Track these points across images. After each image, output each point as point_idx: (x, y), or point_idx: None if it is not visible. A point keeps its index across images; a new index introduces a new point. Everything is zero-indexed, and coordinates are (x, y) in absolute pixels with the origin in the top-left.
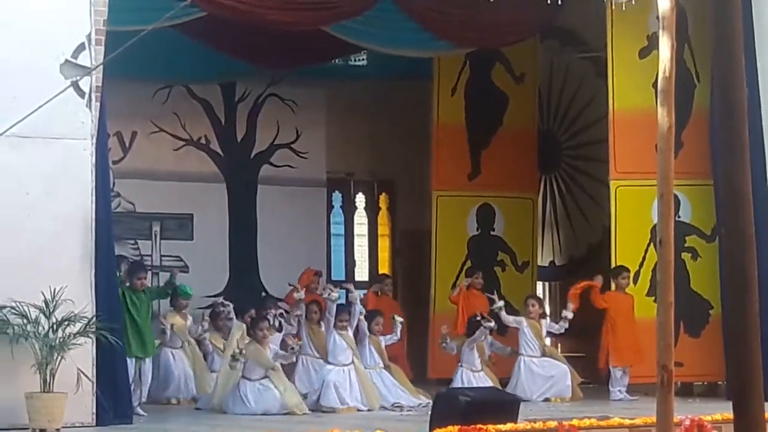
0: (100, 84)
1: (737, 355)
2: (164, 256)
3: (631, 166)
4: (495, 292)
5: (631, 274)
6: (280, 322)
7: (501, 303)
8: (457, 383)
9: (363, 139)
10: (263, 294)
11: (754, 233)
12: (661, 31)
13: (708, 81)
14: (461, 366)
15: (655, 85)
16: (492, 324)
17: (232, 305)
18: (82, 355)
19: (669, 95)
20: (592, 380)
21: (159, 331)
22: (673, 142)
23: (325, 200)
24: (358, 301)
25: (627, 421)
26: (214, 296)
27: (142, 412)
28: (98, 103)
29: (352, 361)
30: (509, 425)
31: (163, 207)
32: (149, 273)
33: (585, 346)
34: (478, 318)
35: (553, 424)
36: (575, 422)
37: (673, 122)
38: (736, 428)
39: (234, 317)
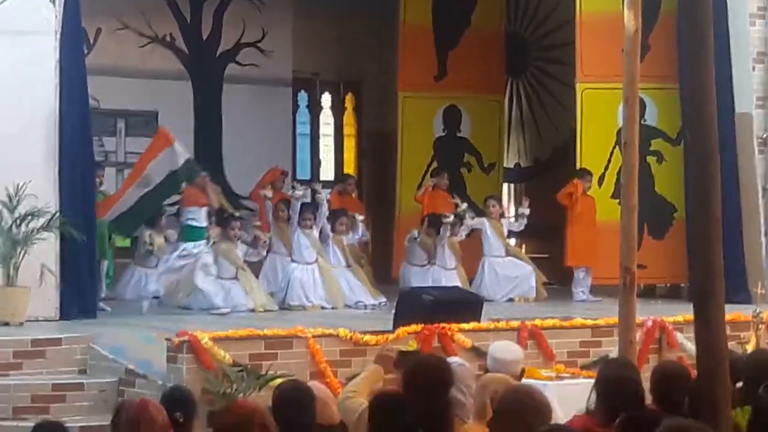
0: None
1: (699, 258)
2: (129, 153)
3: (597, 69)
4: (456, 196)
5: (596, 177)
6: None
7: (465, 205)
8: (426, 281)
9: (329, 39)
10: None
11: (717, 138)
12: None
13: None
14: (433, 263)
15: None
16: (450, 218)
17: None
18: (46, 250)
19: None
20: (557, 281)
21: (142, 247)
22: (639, 45)
23: (290, 100)
24: (325, 202)
25: (589, 321)
26: (179, 194)
27: (105, 307)
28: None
29: (317, 260)
30: (472, 324)
31: (128, 104)
32: (114, 170)
33: (549, 247)
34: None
35: (515, 323)
36: (538, 322)
37: (640, 25)
38: (697, 329)
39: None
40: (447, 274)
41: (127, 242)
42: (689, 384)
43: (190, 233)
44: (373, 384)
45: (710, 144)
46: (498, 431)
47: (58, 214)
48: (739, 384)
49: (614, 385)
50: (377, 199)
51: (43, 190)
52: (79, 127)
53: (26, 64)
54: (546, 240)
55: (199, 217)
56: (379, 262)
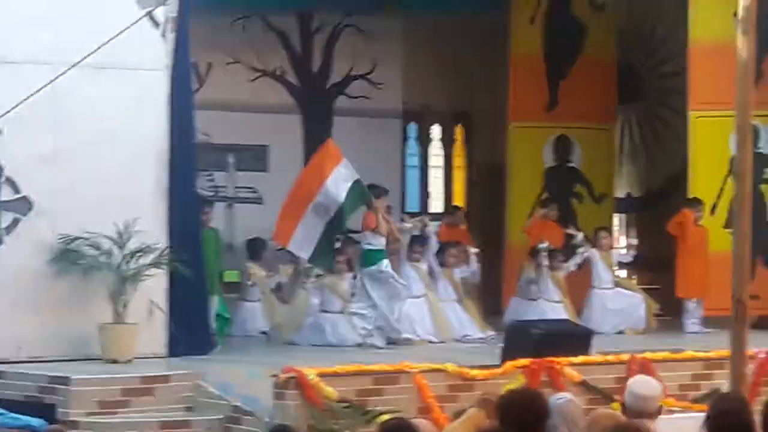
0: (175, 14)
1: None
2: (239, 187)
3: (709, 96)
4: (573, 227)
5: (708, 206)
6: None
7: (580, 235)
8: (532, 315)
9: (439, 71)
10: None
11: None
12: None
13: None
14: (539, 297)
15: (735, 15)
16: (545, 244)
17: None
18: (155, 287)
19: (750, 25)
20: (669, 313)
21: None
22: (753, 72)
23: (400, 132)
24: (433, 235)
25: (700, 354)
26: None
27: (216, 342)
28: (173, 34)
29: (425, 293)
30: (581, 358)
31: (238, 138)
32: (224, 205)
33: (661, 279)
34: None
35: (625, 356)
36: (648, 354)
37: (754, 53)
38: None
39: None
40: (553, 307)
41: (234, 276)
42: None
43: (368, 257)
44: (473, 428)
45: None
46: None
47: (167, 251)
48: None
49: (725, 421)
50: (487, 231)
51: (152, 226)
52: (187, 163)
53: (137, 100)
54: (658, 271)
55: (374, 241)
56: (488, 294)
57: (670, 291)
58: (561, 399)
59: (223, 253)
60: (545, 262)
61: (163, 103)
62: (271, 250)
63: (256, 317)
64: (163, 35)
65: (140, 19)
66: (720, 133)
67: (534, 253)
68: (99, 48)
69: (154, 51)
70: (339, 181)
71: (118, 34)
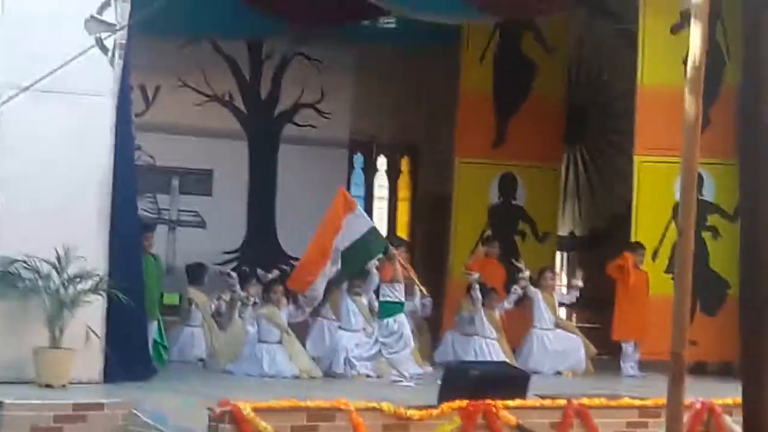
0: (124, 41)
1: (749, 340)
2: (182, 211)
3: (656, 142)
4: (521, 262)
5: (650, 251)
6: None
7: (527, 273)
8: (469, 354)
9: (388, 103)
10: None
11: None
12: (693, 20)
13: (738, 59)
14: (474, 334)
15: (685, 61)
16: (476, 275)
17: (236, 277)
18: (93, 313)
19: (698, 84)
20: (607, 352)
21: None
22: (699, 131)
23: (346, 162)
24: (374, 271)
25: (637, 402)
26: (231, 253)
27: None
28: (121, 61)
29: (364, 328)
30: (518, 401)
31: (183, 162)
32: (167, 227)
33: (600, 318)
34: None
35: (562, 401)
36: (585, 401)
37: (701, 111)
38: (744, 411)
39: (239, 290)
40: (489, 344)
41: (175, 299)
42: None
43: (384, 309)
44: None
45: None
46: None
47: (106, 277)
48: None
49: None
50: (430, 265)
51: (92, 252)
52: (129, 189)
53: (81, 125)
54: (598, 310)
55: (390, 293)
56: (430, 328)
57: (608, 330)
58: None
59: (164, 278)
60: (477, 294)
61: (107, 129)
62: (211, 275)
63: (195, 343)
64: (111, 62)
65: (91, 47)
66: (665, 178)
67: (468, 287)
68: (51, 73)
69: (101, 76)
70: (351, 228)
71: (70, 60)
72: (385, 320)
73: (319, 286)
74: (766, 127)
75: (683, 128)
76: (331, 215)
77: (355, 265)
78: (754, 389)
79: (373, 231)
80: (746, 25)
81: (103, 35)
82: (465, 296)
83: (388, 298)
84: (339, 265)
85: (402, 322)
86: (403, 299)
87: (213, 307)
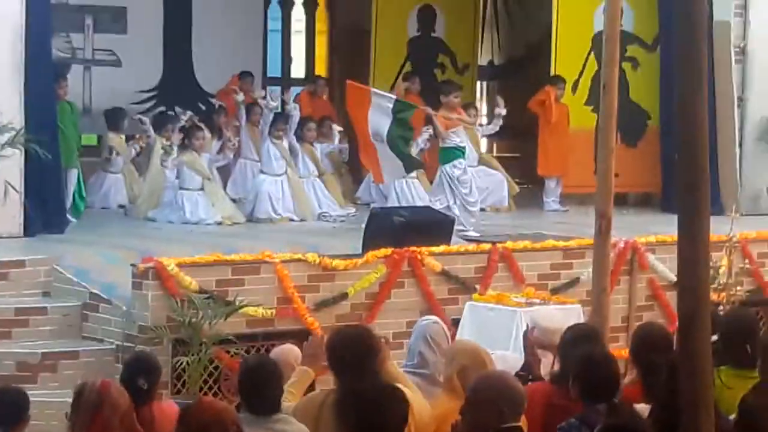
0: None
1: (685, 168)
2: (97, 50)
3: None
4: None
5: (570, 83)
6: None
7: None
8: (390, 194)
9: None
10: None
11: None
12: None
13: None
14: None
15: None
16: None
17: (148, 121)
18: (10, 167)
19: None
20: (528, 182)
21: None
22: None
23: None
24: (296, 113)
25: (561, 243)
26: (148, 91)
27: (70, 218)
28: None
29: (286, 171)
30: (443, 247)
31: None
32: (82, 67)
33: (521, 148)
34: None
35: (486, 246)
36: (509, 244)
37: None
38: (680, 245)
39: (153, 134)
40: (410, 183)
41: (93, 140)
42: (670, 347)
43: (448, 154)
44: (304, 386)
45: (698, 49)
46: (470, 420)
47: (23, 130)
48: (714, 337)
49: (589, 368)
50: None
51: (6, 104)
52: (43, 35)
53: None
54: (518, 140)
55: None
56: (352, 168)
57: (530, 160)
58: (425, 321)
59: (80, 120)
60: None
61: None
62: (130, 120)
63: (116, 189)
64: None
65: None
66: (584, 8)
67: None
68: None
69: None
70: (377, 110)
71: None
72: (445, 166)
73: (389, 168)
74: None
75: None
76: (353, 110)
77: (405, 143)
78: (691, 220)
79: (397, 103)
80: None
81: None
82: None
83: (444, 144)
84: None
85: (464, 167)
86: (462, 144)
87: (133, 152)
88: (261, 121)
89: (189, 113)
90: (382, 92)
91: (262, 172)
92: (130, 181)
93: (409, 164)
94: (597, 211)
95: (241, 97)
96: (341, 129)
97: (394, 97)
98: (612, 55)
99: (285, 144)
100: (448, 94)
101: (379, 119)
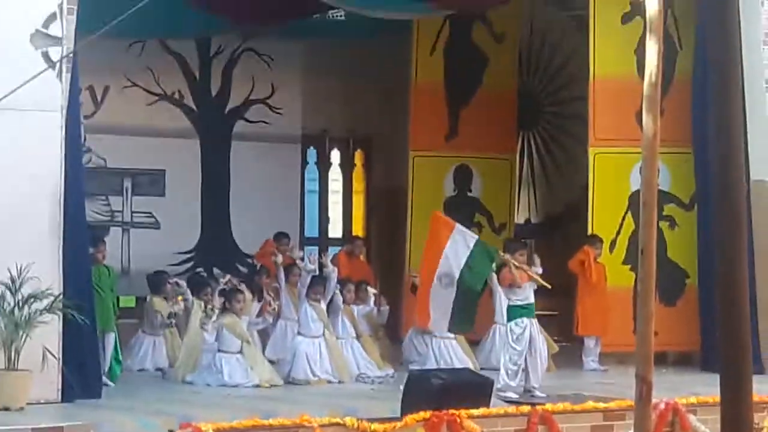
0: (69, 53)
1: (727, 328)
2: (135, 212)
3: (610, 132)
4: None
5: (607, 243)
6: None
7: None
8: (429, 353)
9: (339, 96)
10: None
11: (744, 202)
12: (648, 35)
13: (690, 46)
14: (433, 336)
15: (636, 52)
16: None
17: (185, 284)
18: (49, 333)
19: (655, 103)
20: (566, 340)
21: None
22: (657, 150)
23: (299, 157)
24: (334, 276)
25: (601, 405)
26: (186, 253)
27: (108, 382)
28: (69, 74)
29: (323, 333)
30: (482, 410)
31: (135, 162)
32: (120, 229)
33: (559, 305)
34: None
35: (526, 408)
36: (549, 406)
37: (659, 130)
38: (723, 403)
39: (190, 296)
40: (447, 344)
41: (132, 302)
42: None
43: (510, 312)
44: None
45: (738, 208)
46: None
47: (60, 296)
48: None
49: None
50: (386, 259)
51: (45, 270)
52: (79, 204)
53: (32, 141)
54: (555, 297)
55: (512, 296)
56: (389, 327)
57: (568, 317)
58: None
59: (118, 282)
60: None
61: (57, 145)
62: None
63: (156, 352)
64: (59, 76)
65: (46, 69)
66: (620, 168)
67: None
68: (8, 95)
69: (49, 90)
70: (457, 248)
71: (29, 80)
72: (509, 324)
73: (438, 316)
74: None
75: (642, 146)
76: (431, 243)
77: (477, 283)
78: (733, 379)
79: (479, 242)
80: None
81: (50, 49)
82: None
83: (511, 302)
84: (453, 286)
85: (526, 326)
86: (528, 301)
87: (171, 311)
88: (299, 282)
89: (228, 276)
90: (466, 230)
91: (299, 333)
92: (171, 343)
93: (458, 323)
94: (637, 375)
95: (280, 258)
96: (376, 292)
97: (476, 237)
98: (650, 219)
99: (323, 305)
100: (514, 252)
101: (454, 258)
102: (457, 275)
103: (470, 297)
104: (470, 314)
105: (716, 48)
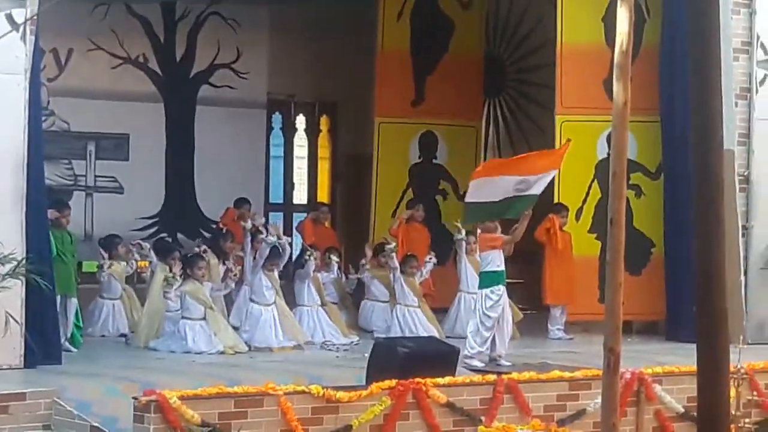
0: (34, 14)
1: (703, 299)
2: (99, 176)
3: (577, 101)
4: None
5: (573, 211)
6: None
7: (463, 234)
8: (394, 321)
9: (305, 61)
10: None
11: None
12: (619, 2)
13: (659, 15)
14: (397, 304)
15: (604, 19)
16: (391, 245)
17: (149, 245)
18: (11, 298)
19: (625, 71)
20: (531, 307)
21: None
22: (628, 119)
23: (264, 122)
24: (288, 246)
25: (567, 374)
26: (149, 218)
27: (70, 348)
28: (33, 37)
29: (275, 301)
30: (447, 379)
31: (98, 126)
32: (84, 194)
33: (524, 273)
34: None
35: (492, 377)
36: (514, 375)
37: (629, 98)
38: (700, 373)
39: (155, 259)
40: (411, 312)
41: (93, 267)
42: None
43: (488, 279)
44: None
45: (716, 179)
46: None
47: (24, 261)
48: None
49: None
50: (352, 225)
51: (8, 234)
52: (39, 167)
53: None
54: (520, 265)
55: (491, 260)
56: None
57: (533, 286)
58: None
59: (80, 246)
60: (395, 263)
61: (21, 109)
62: (124, 244)
63: (116, 316)
64: (23, 38)
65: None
66: (587, 137)
67: (379, 251)
68: None
69: (13, 53)
70: (539, 183)
71: None
72: (483, 291)
73: (486, 191)
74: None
75: (612, 115)
76: (541, 158)
77: (507, 211)
78: (710, 349)
79: (534, 198)
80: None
81: (13, 11)
82: (371, 260)
83: (487, 268)
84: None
85: (502, 293)
86: (502, 267)
87: (130, 270)
88: (257, 253)
89: (204, 246)
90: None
91: (251, 300)
92: (130, 307)
93: (475, 213)
94: (605, 345)
95: (249, 224)
96: (338, 260)
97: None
98: (620, 189)
99: (276, 275)
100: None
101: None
102: (522, 192)
103: (496, 210)
104: (494, 215)
105: (695, 18)
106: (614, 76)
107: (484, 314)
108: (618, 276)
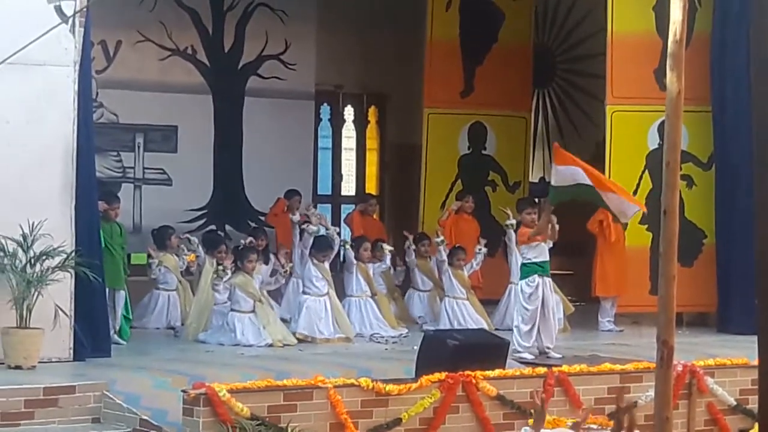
0: (83, 6)
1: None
2: (147, 168)
3: (627, 91)
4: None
5: None
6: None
7: (513, 221)
8: (442, 314)
9: (353, 52)
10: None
11: None
12: None
13: (710, 4)
14: (446, 296)
15: (655, 8)
16: (440, 238)
17: (197, 240)
18: (60, 290)
19: (679, 60)
20: (581, 299)
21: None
22: (681, 109)
23: (312, 113)
24: (336, 236)
25: (618, 367)
26: (198, 210)
27: (119, 340)
28: (82, 29)
29: (327, 292)
30: (497, 371)
31: (147, 118)
32: (132, 186)
33: (575, 264)
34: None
35: (542, 370)
36: (565, 368)
37: (683, 88)
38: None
39: (202, 253)
40: (459, 304)
41: (143, 259)
42: None
43: (525, 271)
44: None
45: None
46: None
47: (73, 254)
48: None
49: None
50: (400, 217)
51: (57, 227)
52: (90, 160)
53: (43, 96)
54: (571, 257)
55: (530, 252)
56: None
57: (583, 276)
58: None
59: (129, 239)
60: (443, 256)
61: (70, 101)
62: (177, 236)
63: (171, 307)
64: (72, 30)
65: (59, 24)
66: (637, 127)
67: (418, 241)
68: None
69: (62, 45)
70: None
71: (42, 35)
72: (520, 283)
73: (567, 175)
74: None
75: (666, 105)
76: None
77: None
78: None
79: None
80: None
81: (63, 3)
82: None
83: (524, 260)
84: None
85: (537, 284)
86: (542, 259)
87: (182, 265)
88: (302, 243)
89: (250, 238)
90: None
91: (304, 292)
92: (184, 299)
93: (558, 194)
94: (659, 338)
95: (296, 217)
96: (392, 249)
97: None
98: (673, 180)
99: (326, 266)
100: (522, 211)
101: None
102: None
103: (566, 193)
104: (567, 197)
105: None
106: (668, 66)
107: (521, 306)
108: (671, 268)
